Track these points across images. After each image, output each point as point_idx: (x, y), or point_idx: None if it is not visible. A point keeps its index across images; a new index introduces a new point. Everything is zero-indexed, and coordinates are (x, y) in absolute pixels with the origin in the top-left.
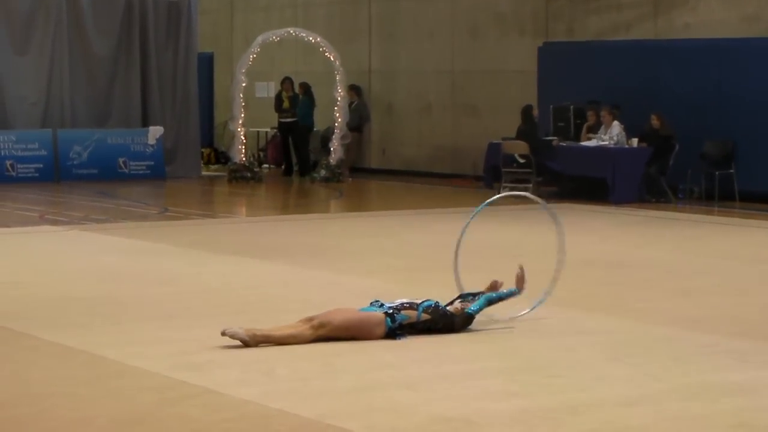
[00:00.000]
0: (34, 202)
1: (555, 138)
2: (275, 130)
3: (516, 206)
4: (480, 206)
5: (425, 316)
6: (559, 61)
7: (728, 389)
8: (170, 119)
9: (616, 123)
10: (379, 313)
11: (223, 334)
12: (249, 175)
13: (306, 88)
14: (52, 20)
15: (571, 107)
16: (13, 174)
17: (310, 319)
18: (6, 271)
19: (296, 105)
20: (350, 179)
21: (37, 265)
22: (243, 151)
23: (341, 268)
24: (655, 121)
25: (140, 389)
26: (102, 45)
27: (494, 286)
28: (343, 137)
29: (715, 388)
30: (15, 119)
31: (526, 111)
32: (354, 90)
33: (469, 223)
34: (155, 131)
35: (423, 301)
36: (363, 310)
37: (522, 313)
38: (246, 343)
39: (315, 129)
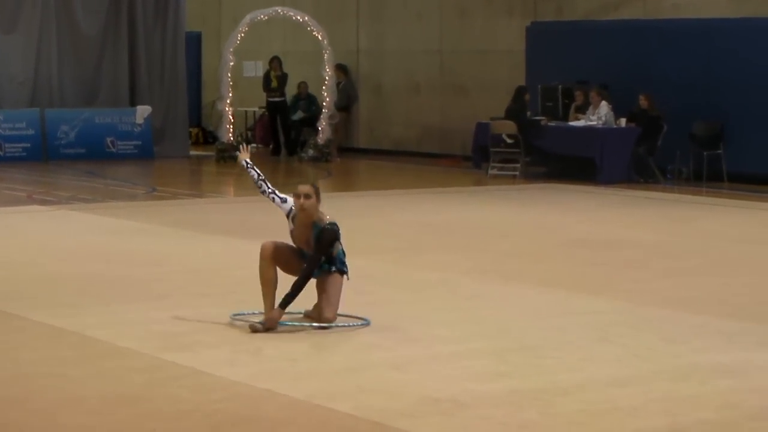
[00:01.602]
0: (21, 182)
1: (543, 118)
2: (263, 110)
3: (501, 186)
4: None
5: None
6: (547, 41)
7: (717, 370)
8: (158, 98)
9: (604, 103)
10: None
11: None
12: (237, 154)
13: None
14: None
15: (560, 87)
16: (1, 153)
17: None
18: None
19: (284, 84)
20: (338, 159)
21: (25, 245)
22: (231, 130)
23: None
24: (643, 102)
25: (129, 370)
26: (90, 24)
27: None
28: (330, 117)
29: (704, 369)
30: (2, 98)
31: (519, 91)
32: (341, 69)
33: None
34: (143, 110)
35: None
36: None
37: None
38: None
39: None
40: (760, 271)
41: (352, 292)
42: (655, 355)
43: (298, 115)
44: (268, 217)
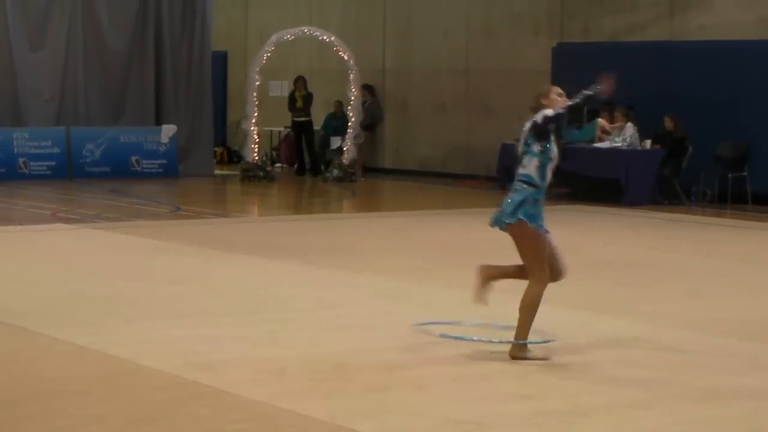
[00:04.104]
0: (46, 200)
1: (568, 141)
2: (288, 129)
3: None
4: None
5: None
6: (573, 62)
7: (740, 393)
8: (184, 117)
9: (629, 124)
10: None
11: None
12: (261, 174)
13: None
14: (67, 15)
15: (585, 108)
16: (26, 171)
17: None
18: (18, 269)
19: (310, 104)
20: (363, 179)
21: (49, 263)
22: (256, 150)
23: (354, 267)
24: (668, 123)
25: (151, 388)
26: (116, 40)
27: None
28: (355, 137)
29: (727, 392)
30: (29, 116)
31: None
32: (367, 89)
33: None
34: (168, 129)
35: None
36: None
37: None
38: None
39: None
40: None
41: (379, 312)
42: (678, 377)
43: (335, 143)
44: (291, 237)
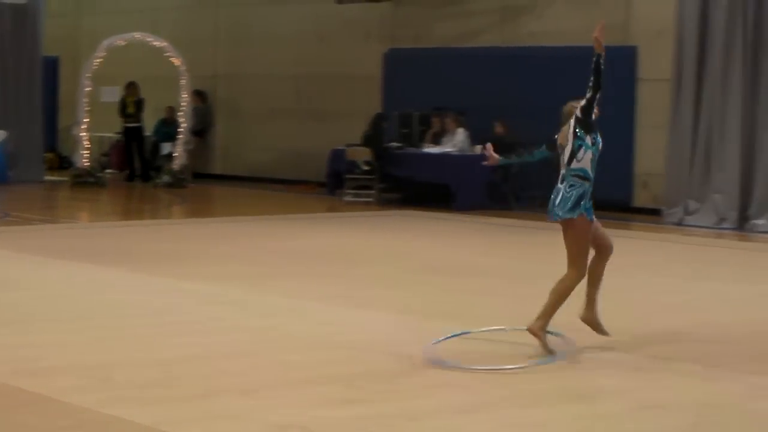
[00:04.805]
0: None
1: (399, 144)
2: (119, 135)
3: (356, 212)
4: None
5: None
6: (405, 68)
7: (567, 396)
8: (14, 123)
9: (460, 130)
10: None
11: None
12: (92, 180)
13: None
14: None
15: (416, 114)
16: None
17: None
18: None
19: (141, 110)
20: (193, 185)
21: None
22: (86, 156)
23: (184, 273)
24: (499, 128)
25: None
26: None
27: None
28: (186, 143)
29: (554, 395)
30: None
31: (376, 118)
32: (199, 95)
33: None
34: None
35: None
36: None
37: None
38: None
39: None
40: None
41: (206, 318)
42: (506, 381)
43: (166, 149)
44: (120, 243)
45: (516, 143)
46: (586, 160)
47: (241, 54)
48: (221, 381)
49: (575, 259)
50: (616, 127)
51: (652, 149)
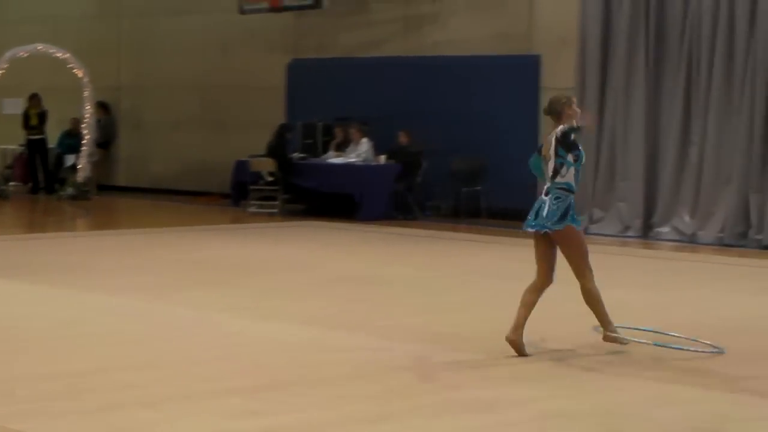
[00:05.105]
0: None
1: (303, 155)
2: (23, 148)
3: (260, 223)
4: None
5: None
6: (308, 78)
7: (471, 406)
8: None
9: (364, 140)
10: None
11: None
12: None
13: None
14: None
15: (320, 124)
16: None
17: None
18: None
19: (44, 122)
20: (97, 196)
21: None
22: None
23: (88, 285)
24: (403, 138)
25: None
26: None
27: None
28: (90, 155)
29: (459, 405)
30: None
31: (280, 128)
32: (102, 107)
33: None
34: None
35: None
36: None
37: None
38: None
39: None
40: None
41: (110, 331)
42: (410, 391)
43: (70, 161)
44: (24, 256)
45: (420, 152)
46: (569, 175)
47: (144, 65)
48: (125, 393)
49: (581, 266)
50: (520, 136)
51: None
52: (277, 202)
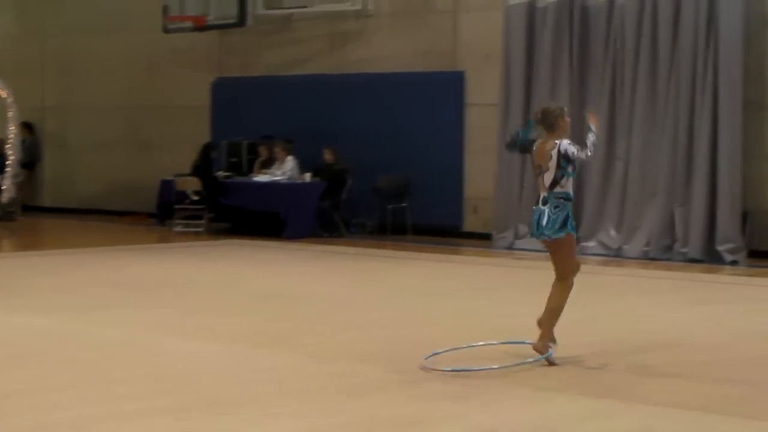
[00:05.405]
0: None
1: (228, 173)
2: None
3: (186, 242)
4: None
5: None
6: (233, 97)
7: (399, 423)
8: None
9: (290, 158)
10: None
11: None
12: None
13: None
14: None
15: (245, 143)
16: None
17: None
18: None
19: None
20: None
21: None
22: None
23: (12, 306)
24: (328, 156)
25: None
26: None
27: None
28: (15, 175)
29: (387, 422)
30: None
31: (205, 147)
32: (26, 127)
33: None
34: None
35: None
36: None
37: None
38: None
39: None
40: (442, 322)
41: (35, 351)
42: (338, 408)
43: None
44: None
45: (345, 169)
46: (568, 185)
47: (68, 85)
48: (51, 415)
49: (566, 273)
50: (445, 152)
51: (481, 174)
52: (202, 221)
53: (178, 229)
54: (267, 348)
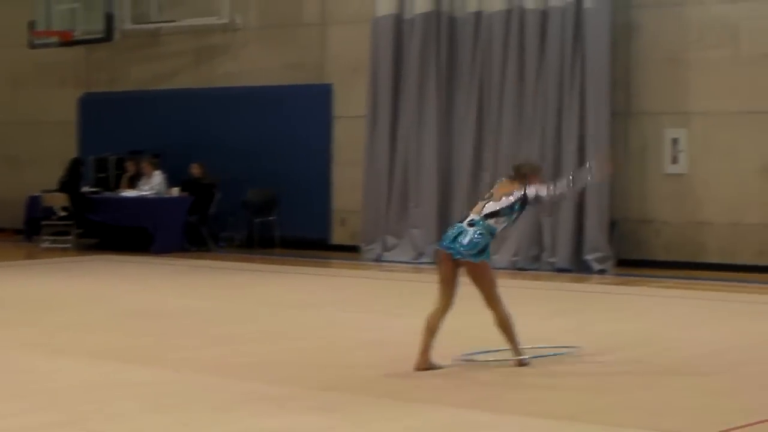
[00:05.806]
0: None
1: (96, 189)
2: None
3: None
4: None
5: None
6: (100, 112)
7: None
8: None
9: (157, 173)
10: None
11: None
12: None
13: None
14: None
15: (112, 158)
16: None
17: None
18: None
19: None
20: None
21: None
22: None
23: None
24: (195, 170)
25: None
26: None
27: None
28: None
29: None
30: None
31: (73, 163)
32: None
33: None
34: None
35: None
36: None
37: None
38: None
39: None
40: (312, 335)
41: None
42: (205, 423)
43: None
44: None
45: (213, 184)
46: (500, 223)
47: None
48: None
49: (493, 297)
50: (313, 165)
51: (349, 186)
52: (70, 237)
53: (46, 245)
54: (134, 363)
